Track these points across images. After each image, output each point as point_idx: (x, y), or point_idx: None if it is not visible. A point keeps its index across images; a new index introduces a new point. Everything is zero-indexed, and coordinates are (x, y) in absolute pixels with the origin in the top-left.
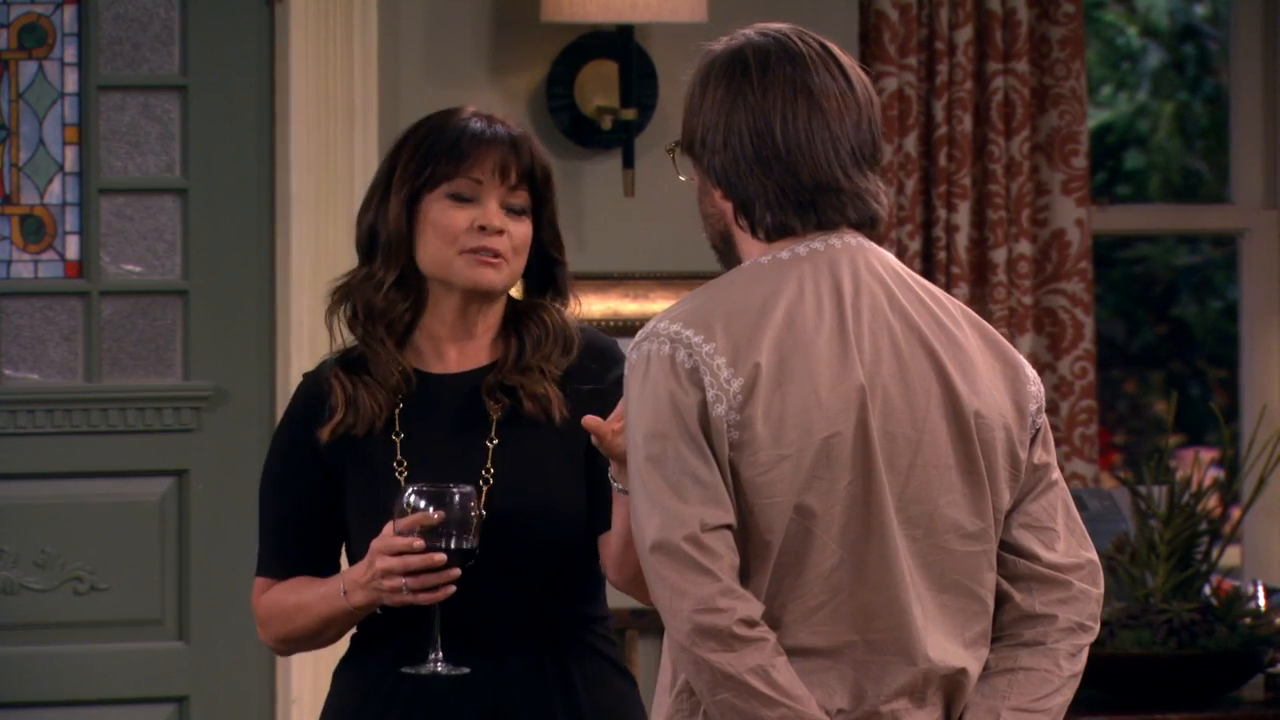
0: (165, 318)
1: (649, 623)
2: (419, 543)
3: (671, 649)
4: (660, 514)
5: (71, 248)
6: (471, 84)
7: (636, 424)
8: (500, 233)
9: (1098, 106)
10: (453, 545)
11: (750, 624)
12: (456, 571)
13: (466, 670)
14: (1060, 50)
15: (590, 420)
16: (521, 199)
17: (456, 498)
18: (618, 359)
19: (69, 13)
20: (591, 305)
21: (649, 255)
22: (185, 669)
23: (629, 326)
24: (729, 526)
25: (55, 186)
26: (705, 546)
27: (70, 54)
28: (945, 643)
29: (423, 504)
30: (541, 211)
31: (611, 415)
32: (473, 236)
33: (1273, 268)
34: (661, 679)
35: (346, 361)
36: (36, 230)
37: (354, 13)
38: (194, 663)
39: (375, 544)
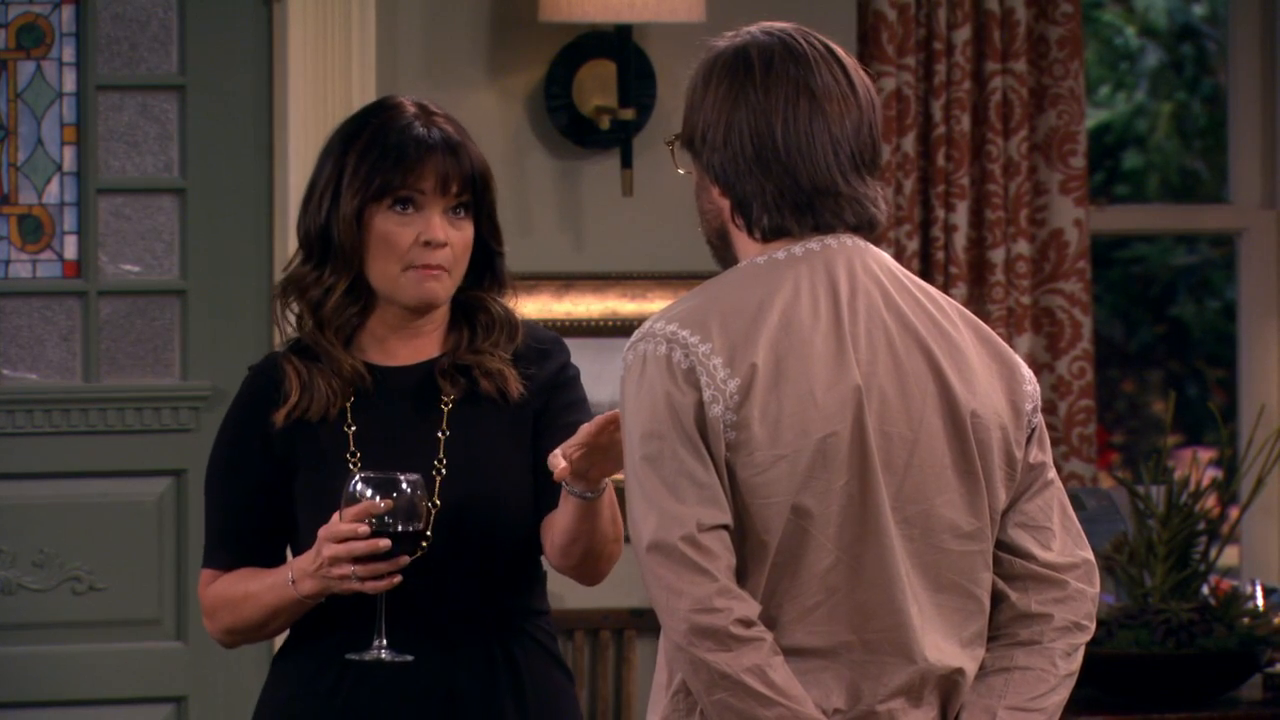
0: (163, 317)
1: (646, 623)
2: (364, 529)
3: (668, 649)
4: (657, 514)
5: (70, 247)
6: (469, 84)
7: (633, 424)
8: (444, 245)
9: (1096, 106)
10: (400, 532)
11: (747, 624)
12: (404, 559)
13: (410, 658)
14: (1058, 50)
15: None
16: (463, 199)
17: (404, 485)
18: (559, 347)
19: (67, 13)
20: (590, 305)
21: (647, 255)
22: (183, 669)
23: (627, 326)
24: (726, 526)
25: (53, 186)
26: (702, 546)
27: (68, 54)
28: (942, 643)
29: (369, 492)
30: (481, 208)
31: (562, 445)
32: (418, 252)
33: (1271, 267)
34: (657, 678)
35: (299, 349)
36: (35, 230)
37: (352, 12)
38: (192, 662)
39: (322, 531)
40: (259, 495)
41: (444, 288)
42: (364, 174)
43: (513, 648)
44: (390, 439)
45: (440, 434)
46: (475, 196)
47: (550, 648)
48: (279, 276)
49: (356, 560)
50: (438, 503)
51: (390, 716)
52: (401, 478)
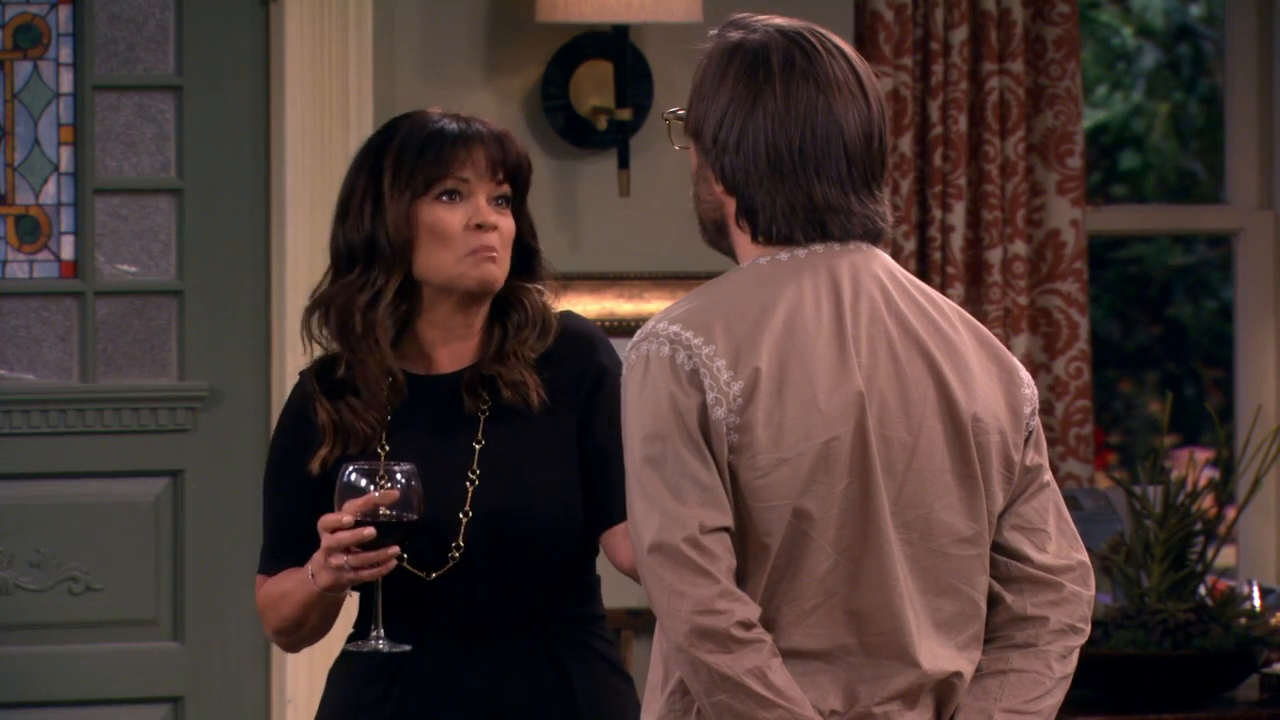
0: (160, 318)
1: (644, 623)
2: (348, 518)
3: (667, 650)
4: (659, 515)
5: (67, 248)
6: (466, 84)
7: (635, 425)
8: (494, 228)
9: (1093, 107)
10: (389, 521)
11: (748, 626)
12: (394, 548)
13: (407, 648)
14: (1055, 50)
15: None
16: (505, 191)
17: (397, 474)
18: (595, 342)
19: (64, 13)
20: (587, 305)
21: (644, 255)
22: (180, 669)
23: (625, 327)
24: (727, 529)
25: (50, 187)
26: (704, 548)
27: (65, 54)
28: (938, 647)
29: (363, 482)
30: (520, 203)
31: None
32: (471, 236)
33: (1267, 268)
34: (652, 678)
35: (328, 382)
36: (32, 230)
37: (349, 13)
38: (189, 663)
39: (319, 523)
40: (301, 509)
41: (501, 271)
42: (407, 170)
43: (561, 654)
44: (423, 453)
45: (475, 443)
46: (515, 190)
47: (605, 653)
48: (277, 280)
49: (346, 550)
50: (470, 512)
51: None
52: (396, 468)
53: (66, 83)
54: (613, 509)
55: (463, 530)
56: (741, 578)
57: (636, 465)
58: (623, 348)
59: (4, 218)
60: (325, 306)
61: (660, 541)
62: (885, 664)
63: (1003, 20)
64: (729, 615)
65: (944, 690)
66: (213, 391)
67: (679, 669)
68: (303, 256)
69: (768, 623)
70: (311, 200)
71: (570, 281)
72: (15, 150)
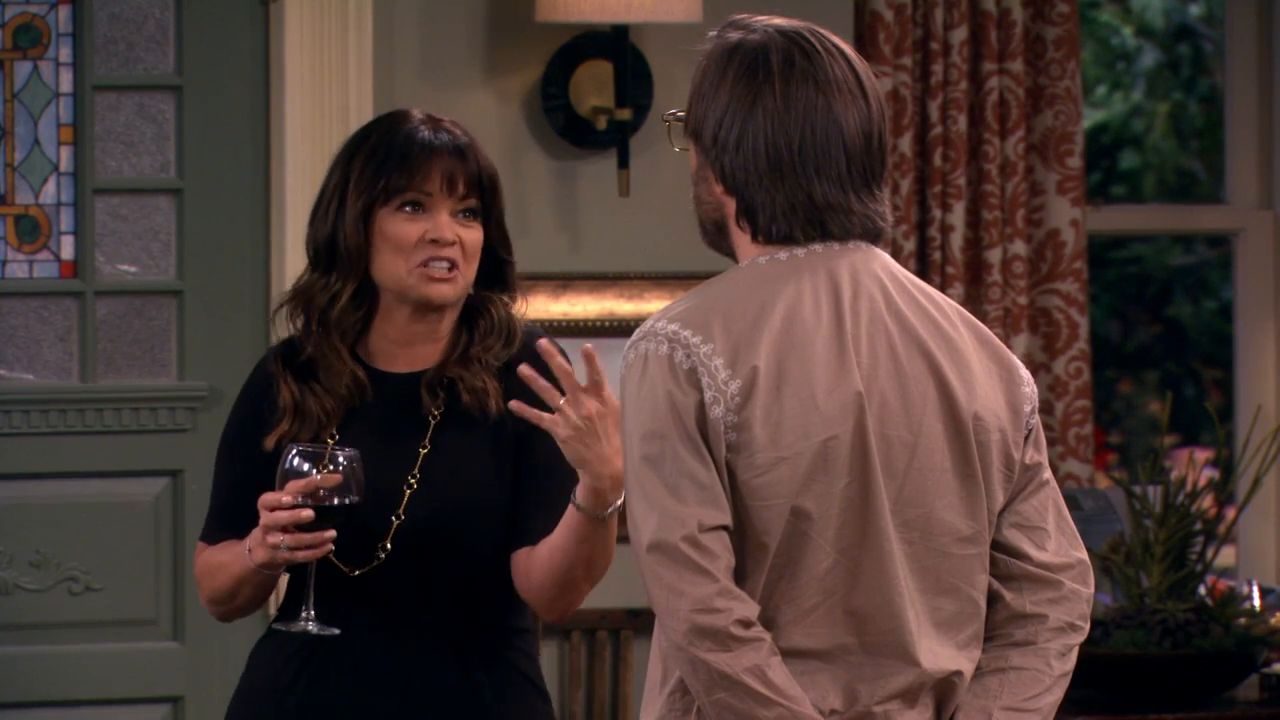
0: (160, 318)
1: (643, 623)
2: (287, 498)
3: (667, 648)
4: (658, 514)
5: (66, 248)
6: (466, 84)
7: (634, 424)
8: (452, 243)
9: (1092, 107)
10: (328, 505)
11: (747, 624)
12: (331, 531)
13: (336, 631)
14: (1055, 50)
15: (518, 405)
16: (471, 204)
17: (340, 459)
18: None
19: (64, 13)
20: (586, 305)
21: (644, 255)
22: (180, 669)
23: (624, 327)
24: (726, 527)
25: (50, 186)
26: (703, 547)
27: (65, 54)
28: (938, 646)
29: (306, 466)
30: (490, 214)
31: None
32: (425, 249)
33: (1267, 268)
34: (651, 678)
35: (295, 363)
36: (31, 230)
37: (349, 13)
38: (188, 663)
39: (260, 500)
40: (248, 482)
41: (455, 289)
42: (369, 177)
43: (476, 668)
44: (369, 450)
45: (421, 447)
46: (483, 202)
47: (523, 667)
48: (277, 280)
49: (284, 530)
50: (402, 516)
51: (344, 714)
52: (339, 452)
53: (66, 83)
54: (529, 529)
55: (392, 532)
56: (740, 577)
57: (635, 464)
58: (622, 347)
59: (4, 218)
60: (294, 302)
61: (659, 540)
62: (885, 663)
63: (1003, 20)
64: (728, 614)
65: (944, 689)
66: (212, 391)
67: (678, 668)
68: (301, 256)
69: (767, 622)
70: (311, 200)
71: (570, 281)
72: (15, 150)
